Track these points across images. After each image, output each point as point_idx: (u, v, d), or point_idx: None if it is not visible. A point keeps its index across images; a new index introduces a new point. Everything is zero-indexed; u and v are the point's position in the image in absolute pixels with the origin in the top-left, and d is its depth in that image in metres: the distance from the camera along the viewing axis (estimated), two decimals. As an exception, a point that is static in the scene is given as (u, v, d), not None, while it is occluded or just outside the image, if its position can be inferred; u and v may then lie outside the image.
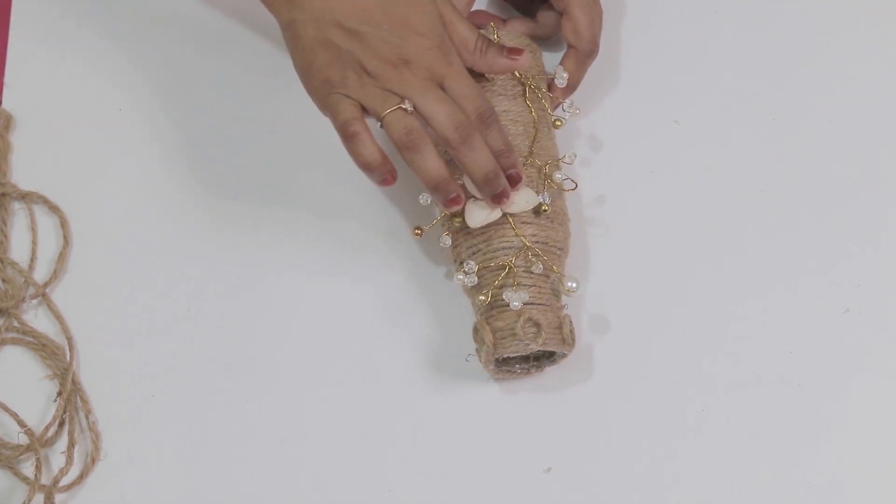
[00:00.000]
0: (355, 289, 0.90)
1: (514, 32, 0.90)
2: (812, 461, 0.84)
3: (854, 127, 0.93)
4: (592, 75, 0.95)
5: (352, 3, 0.79)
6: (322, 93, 0.80)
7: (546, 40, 0.94)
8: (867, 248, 0.90)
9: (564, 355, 0.84)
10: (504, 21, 0.93)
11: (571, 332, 0.83)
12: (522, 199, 0.83)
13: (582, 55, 0.89)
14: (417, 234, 0.86)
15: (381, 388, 0.87)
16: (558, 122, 0.88)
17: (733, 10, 0.97)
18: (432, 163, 0.80)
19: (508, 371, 0.85)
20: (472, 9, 0.94)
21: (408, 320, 0.89)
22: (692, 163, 0.92)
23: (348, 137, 0.80)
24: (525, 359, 0.86)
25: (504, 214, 0.83)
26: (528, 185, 0.84)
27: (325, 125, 0.88)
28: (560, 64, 0.90)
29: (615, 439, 0.85)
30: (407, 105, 0.79)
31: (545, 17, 0.92)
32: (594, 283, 0.89)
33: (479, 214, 0.83)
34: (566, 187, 0.86)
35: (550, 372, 0.86)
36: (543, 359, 0.85)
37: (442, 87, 0.80)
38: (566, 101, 0.88)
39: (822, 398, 0.86)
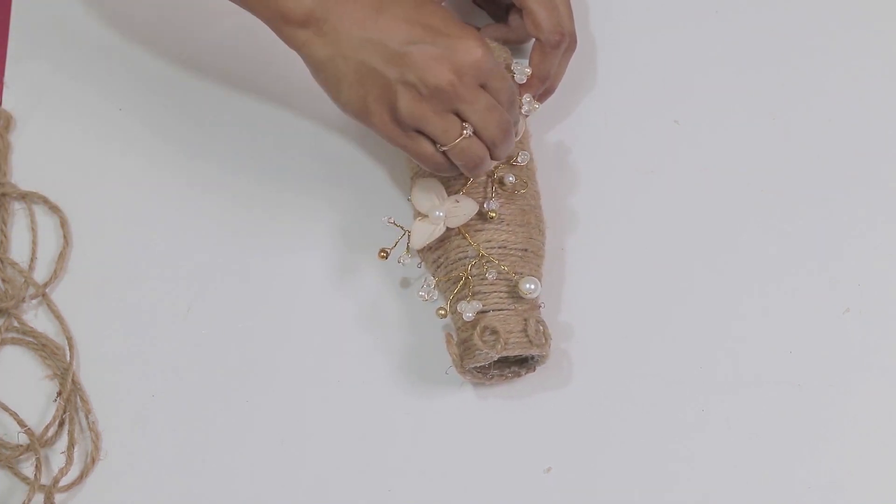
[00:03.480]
0: (357, 289, 0.90)
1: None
2: (812, 461, 0.84)
3: (854, 127, 0.93)
4: (592, 75, 0.95)
5: (389, 23, 0.77)
6: (392, 133, 0.78)
7: (521, 44, 0.93)
8: (867, 248, 0.90)
9: (542, 356, 0.84)
10: (478, 29, 0.93)
11: (540, 332, 0.83)
12: (462, 211, 0.83)
13: (546, 46, 0.88)
14: (383, 257, 0.86)
15: (381, 388, 0.87)
16: None
17: (733, 10, 0.97)
18: (487, 168, 0.81)
19: (490, 377, 0.85)
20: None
21: (410, 322, 0.89)
22: (692, 163, 0.92)
23: (437, 167, 0.80)
24: (504, 364, 0.85)
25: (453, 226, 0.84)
26: (475, 192, 0.84)
27: (323, 135, 0.89)
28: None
29: (615, 439, 0.85)
30: (468, 131, 0.78)
31: (515, 19, 0.91)
32: (594, 284, 0.89)
33: (420, 235, 0.83)
34: (517, 189, 0.85)
35: (551, 372, 0.86)
36: (529, 361, 0.85)
37: (484, 86, 0.78)
38: (525, 96, 0.87)
39: (822, 398, 0.86)
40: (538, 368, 0.85)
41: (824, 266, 0.89)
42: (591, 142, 0.93)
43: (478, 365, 0.83)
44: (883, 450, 0.85)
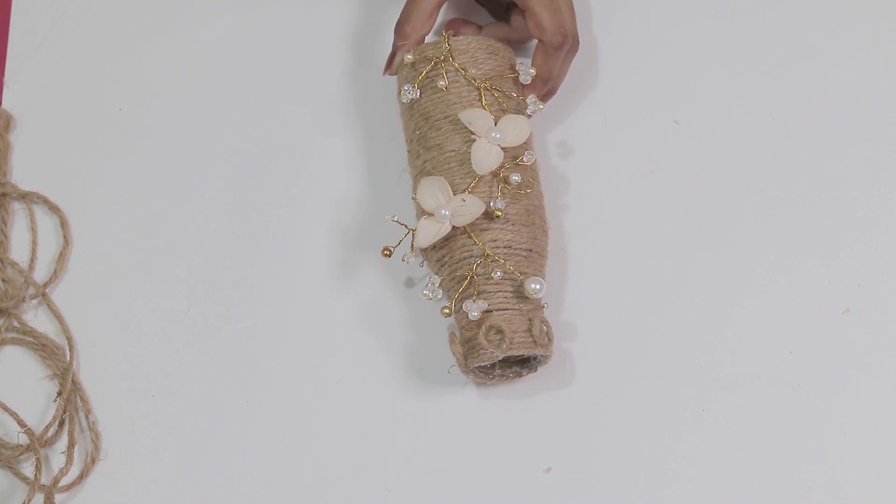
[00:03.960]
0: (359, 287, 0.90)
1: (476, 37, 0.88)
2: (812, 461, 0.84)
3: (854, 127, 0.93)
4: (592, 75, 0.95)
5: None
6: None
7: (523, 43, 0.93)
8: (867, 248, 0.90)
9: (545, 356, 0.84)
10: (480, 27, 0.93)
11: (544, 332, 0.83)
12: (468, 210, 0.83)
13: (549, 47, 0.88)
14: (386, 255, 0.85)
15: (383, 387, 0.87)
16: None
17: (733, 10, 0.97)
18: None
19: (493, 377, 0.85)
20: (451, 16, 0.95)
21: (413, 321, 0.89)
22: (692, 163, 0.92)
23: None
24: (506, 364, 0.85)
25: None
26: (480, 191, 0.84)
27: (325, 132, 0.89)
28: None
29: (615, 439, 0.85)
30: None
31: (517, 19, 0.92)
32: (594, 284, 0.89)
33: (426, 234, 0.83)
34: (523, 189, 0.85)
35: (551, 372, 0.86)
36: (531, 361, 0.85)
37: None
38: (529, 97, 0.88)
39: (822, 398, 0.86)
40: (540, 369, 0.85)
41: (824, 266, 0.89)
42: (592, 142, 0.93)
43: (482, 364, 0.83)
44: (883, 450, 0.84)
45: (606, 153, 0.93)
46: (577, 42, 0.90)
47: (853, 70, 0.94)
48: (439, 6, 0.89)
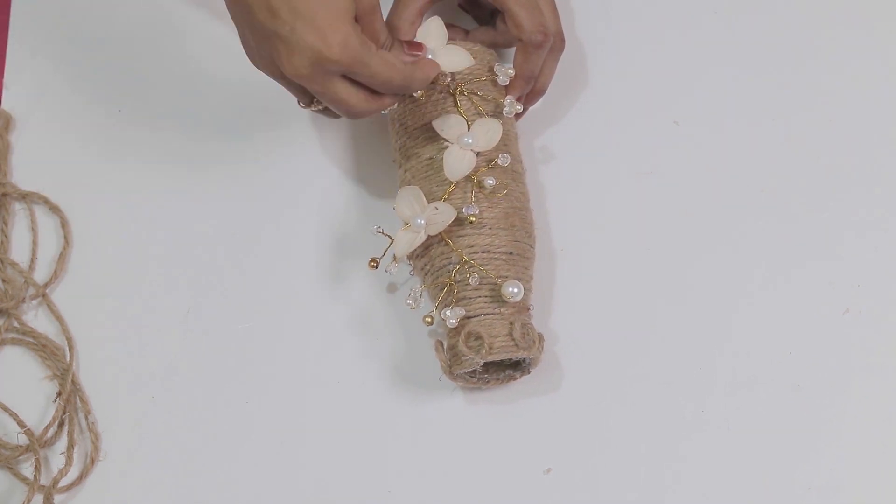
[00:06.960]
0: (352, 296, 0.90)
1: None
2: (812, 461, 0.84)
3: (854, 127, 0.93)
4: (590, 76, 0.95)
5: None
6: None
7: (509, 47, 0.92)
8: (867, 248, 0.90)
9: (533, 359, 0.84)
10: (466, 32, 0.93)
11: (526, 335, 0.83)
12: (441, 218, 0.83)
13: (529, 46, 0.87)
14: (373, 266, 0.86)
15: (382, 389, 0.87)
16: None
17: (733, 10, 0.97)
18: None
19: (487, 381, 0.85)
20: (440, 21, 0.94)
21: (408, 328, 0.89)
22: (692, 163, 0.92)
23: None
24: (498, 368, 0.85)
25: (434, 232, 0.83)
26: (456, 197, 0.84)
27: (322, 143, 0.89)
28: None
29: (615, 440, 0.85)
30: (317, 107, 0.82)
31: (502, 24, 0.90)
32: (594, 285, 0.89)
33: (403, 243, 0.83)
34: (498, 192, 0.85)
35: (551, 373, 0.86)
36: (522, 364, 0.85)
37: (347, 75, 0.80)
38: (507, 98, 0.87)
39: (822, 398, 0.86)
40: (534, 371, 0.85)
41: (824, 266, 0.89)
42: (590, 143, 0.93)
43: (466, 371, 0.83)
44: (883, 450, 0.84)
45: (605, 154, 0.93)
46: (563, 41, 0.89)
47: (853, 71, 0.94)
48: (422, 13, 0.88)
